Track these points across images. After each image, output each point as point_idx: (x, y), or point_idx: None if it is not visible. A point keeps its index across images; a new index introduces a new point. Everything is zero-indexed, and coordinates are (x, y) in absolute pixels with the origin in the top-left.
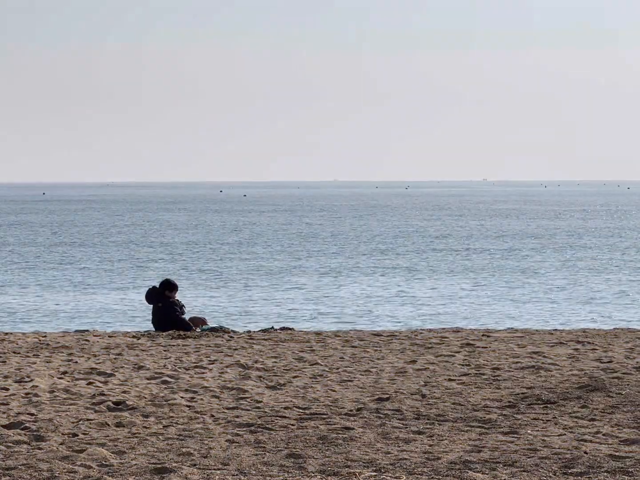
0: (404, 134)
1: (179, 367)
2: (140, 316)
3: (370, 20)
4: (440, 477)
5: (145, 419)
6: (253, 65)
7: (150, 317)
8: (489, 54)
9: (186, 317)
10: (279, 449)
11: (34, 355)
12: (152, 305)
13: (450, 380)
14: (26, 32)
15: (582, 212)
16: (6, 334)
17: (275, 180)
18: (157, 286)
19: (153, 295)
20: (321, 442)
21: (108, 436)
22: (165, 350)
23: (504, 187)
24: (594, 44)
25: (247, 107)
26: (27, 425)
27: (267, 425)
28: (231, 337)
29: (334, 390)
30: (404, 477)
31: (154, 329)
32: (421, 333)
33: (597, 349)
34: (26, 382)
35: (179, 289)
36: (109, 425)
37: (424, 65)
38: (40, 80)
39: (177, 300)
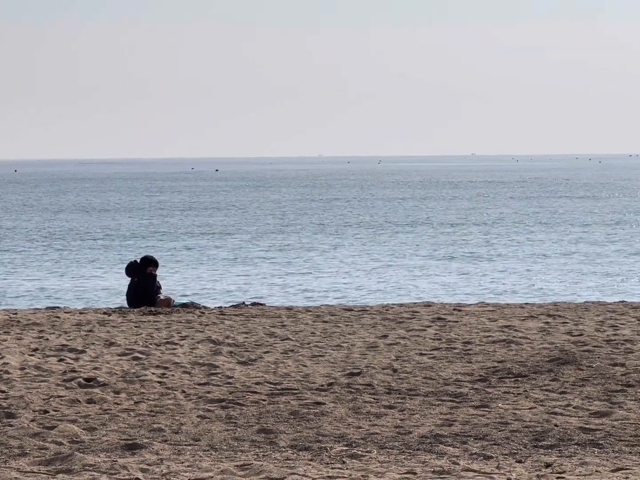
0: (374, 109)
1: (150, 343)
2: (111, 293)
3: None
4: (412, 451)
5: (116, 395)
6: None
7: (126, 291)
8: (459, 29)
9: (160, 297)
10: (250, 424)
11: (4, 332)
12: (129, 279)
13: (421, 354)
14: None
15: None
16: None
17: (251, 157)
18: (138, 261)
19: (132, 269)
20: (292, 417)
21: (79, 413)
22: (136, 327)
23: (482, 162)
24: (575, 17)
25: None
26: None
27: (238, 401)
28: (202, 312)
29: (305, 366)
30: (375, 452)
31: (127, 304)
32: (392, 308)
33: (567, 322)
34: None
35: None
36: (80, 401)
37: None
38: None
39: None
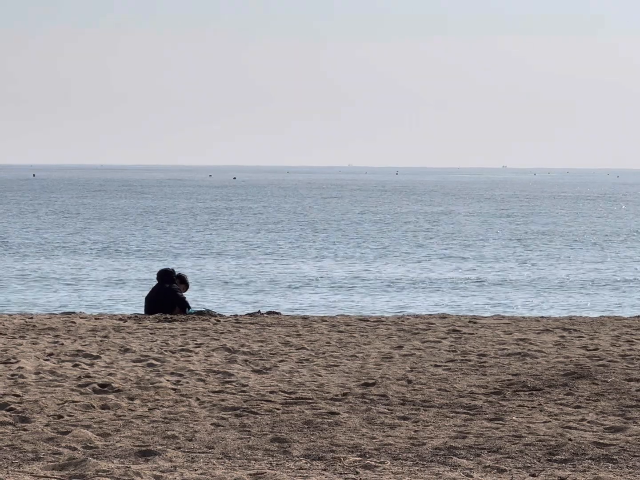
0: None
1: (165, 350)
2: (127, 299)
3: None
4: (425, 463)
5: (130, 402)
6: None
7: (148, 294)
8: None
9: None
10: (264, 433)
11: (20, 336)
12: (155, 284)
13: (436, 366)
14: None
15: None
16: None
17: (270, 165)
18: (174, 272)
19: (166, 276)
20: (306, 426)
21: (93, 418)
22: (151, 333)
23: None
24: (582, 31)
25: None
26: (12, 406)
27: (252, 409)
28: (218, 320)
29: (319, 375)
30: (389, 463)
31: (144, 307)
32: (408, 319)
33: (583, 337)
34: (12, 363)
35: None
36: (94, 407)
37: (431, 51)
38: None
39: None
